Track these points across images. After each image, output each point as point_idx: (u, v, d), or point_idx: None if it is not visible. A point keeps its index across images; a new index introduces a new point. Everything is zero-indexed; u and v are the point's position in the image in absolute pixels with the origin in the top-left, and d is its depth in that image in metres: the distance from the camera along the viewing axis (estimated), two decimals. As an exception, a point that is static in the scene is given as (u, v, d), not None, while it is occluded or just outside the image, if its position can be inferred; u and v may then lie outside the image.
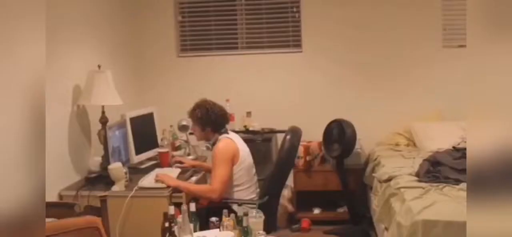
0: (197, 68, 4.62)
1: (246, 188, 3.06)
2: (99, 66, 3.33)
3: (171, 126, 4.14)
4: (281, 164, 3.10)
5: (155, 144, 3.84)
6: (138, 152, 3.59)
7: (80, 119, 3.41)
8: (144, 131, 3.72)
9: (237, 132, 4.26)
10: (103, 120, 3.34)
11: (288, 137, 3.05)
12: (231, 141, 3.04)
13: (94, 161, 3.40)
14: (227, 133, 3.11)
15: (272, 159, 4.05)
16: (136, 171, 3.47)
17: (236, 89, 4.47)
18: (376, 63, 4.43)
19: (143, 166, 3.61)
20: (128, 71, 4.33)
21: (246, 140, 4.06)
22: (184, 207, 2.19)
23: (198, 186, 3.17)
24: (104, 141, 3.32)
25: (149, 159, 3.74)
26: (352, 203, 4.09)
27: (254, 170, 3.15)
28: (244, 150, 3.08)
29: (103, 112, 3.35)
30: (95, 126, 3.43)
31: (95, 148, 3.52)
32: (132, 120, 3.56)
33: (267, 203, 2.98)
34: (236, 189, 3.04)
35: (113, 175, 3.03)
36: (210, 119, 3.07)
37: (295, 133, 3.11)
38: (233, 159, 2.99)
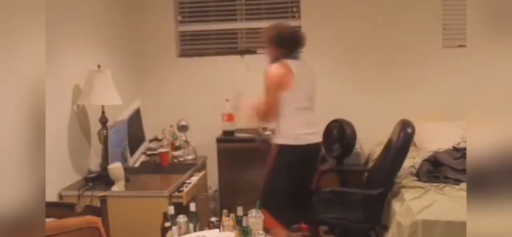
0: (197, 68, 4.62)
1: (294, 118, 3.08)
2: (99, 66, 3.32)
3: (171, 126, 4.14)
4: (396, 156, 3.12)
5: (143, 138, 3.83)
6: (132, 152, 3.60)
7: (80, 119, 3.41)
8: (134, 128, 3.73)
9: (238, 130, 4.32)
10: (103, 120, 3.34)
11: (403, 130, 3.10)
12: (285, 65, 3.03)
13: (94, 161, 3.40)
14: (295, 58, 3.10)
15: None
16: (135, 171, 3.49)
17: (236, 89, 4.47)
18: (376, 63, 4.43)
19: (137, 164, 3.63)
20: (128, 71, 4.33)
21: (246, 140, 4.09)
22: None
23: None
24: (104, 141, 3.32)
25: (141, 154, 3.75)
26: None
27: (308, 104, 3.13)
28: (300, 76, 3.06)
29: (103, 112, 3.35)
30: (95, 126, 3.42)
31: (95, 148, 3.51)
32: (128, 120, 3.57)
33: (381, 194, 3.07)
34: (285, 115, 3.06)
35: (113, 175, 3.03)
36: (280, 41, 3.09)
37: (408, 124, 3.13)
38: (282, 85, 3.01)
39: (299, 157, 3.08)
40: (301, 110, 3.09)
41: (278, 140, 3.11)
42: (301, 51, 3.20)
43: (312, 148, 3.13)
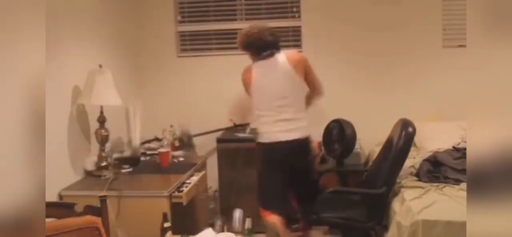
0: (197, 68, 4.62)
1: (261, 118, 3.17)
2: (100, 66, 3.32)
3: (171, 126, 4.14)
4: (398, 155, 3.14)
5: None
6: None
7: (80, 119, 3.40)
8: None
9: (241, 125, 4.34)
10: (101, 120, 3.33)
11: (404, 129, 3.12)
12: (249, 69, 3.19)
13: (90, 160, 3.38)
14: (264, 59, 3.14)
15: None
16: (135, 171, 3.49)
17: (236, 89, 4.47)
18: (376, 63, 4.43)
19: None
20: (128, 71, 4.33)
21: (247, 140, 4.09)
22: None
23: None
24: (101, 141, 3.32)
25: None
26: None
27: (278, 103, 3.13)
28: (262, 81, 3.13)
29: (101, 112, 3.34)
30: (95, 126, 3.41)
31: (94, 147, 3.50)
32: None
33: (384, 194, 3.10)
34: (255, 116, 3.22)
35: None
36: (246, 45, 3.19)
37: (408, 124, 3.17)
38: (246, 87, 3.22)
39: (275, 154, 3.12)
40: (266, 111, 3.13)
41: (257, 139, 3.23)
42: (273, 51, 3.14)
43: (289, 144, 3.09)
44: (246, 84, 3.20)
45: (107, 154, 3.40)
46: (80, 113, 3.42)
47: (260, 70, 3.13)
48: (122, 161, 3.57)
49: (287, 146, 3.09)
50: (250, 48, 3.17)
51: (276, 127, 3.09)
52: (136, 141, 3.75)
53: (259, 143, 3.20)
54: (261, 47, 3.13)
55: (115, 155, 3.61)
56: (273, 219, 3.13)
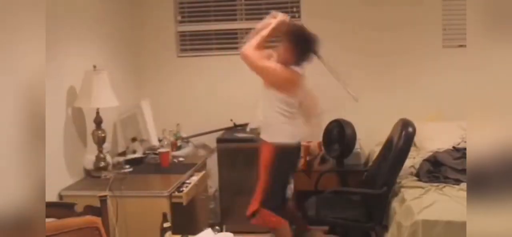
0: (197, 68, 4.62)
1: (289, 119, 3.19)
2: (94, 67, 3.30)
3: (178, 124, 4.15)
4: (398, 155, 3.15)
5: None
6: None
7: (77, 119, 3.39)
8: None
9: (241, 125, 4.34)
10: (98, 121, 3.32)
11: (404, 129, 3.14)
12: (296, 72, 3.23)
13: (90, 160, 3.38)
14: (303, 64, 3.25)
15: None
16: (135, 171, 3.48)
17: (236, 89, 4.47)
18: (376, 63, 4.43)
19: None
20: (128, 71, 4.33)
21: (247, 140, 4.09)
22: None
23: None
24: (98, 142, 3.31)
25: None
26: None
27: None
28: (306, 82, 3.27)
29: (97, 113, 3.33)
30: (93, 126, 3.40)
31: (90, 147, 3.49)
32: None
33: (384, 194, 3.12)
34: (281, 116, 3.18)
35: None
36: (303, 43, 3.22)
37: (408, 124, 3.19)
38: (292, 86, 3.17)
39: (295, 155, 3.30)
40: (294, 114, 3.20)
41: (275, 139, 3.16)
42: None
43: (299, 146, 3.34)
44: (292, 82, 3.16)
45: (105, 155, 3.39)
46: (79, 113, 3.41)
47: (304, 76, 3.26)
48: (128, 161, 3.58)
49: (299, 147, 3.33)
50: (303, 48, 3.21)
51: (297, 128, 3.23)
52: (155, 141, 3.77)
53: (282, 144, 3.15)
54: (309, 50, 3.23)
55: (129, 156, 3.61)
56: (284, 224, 3.16)
